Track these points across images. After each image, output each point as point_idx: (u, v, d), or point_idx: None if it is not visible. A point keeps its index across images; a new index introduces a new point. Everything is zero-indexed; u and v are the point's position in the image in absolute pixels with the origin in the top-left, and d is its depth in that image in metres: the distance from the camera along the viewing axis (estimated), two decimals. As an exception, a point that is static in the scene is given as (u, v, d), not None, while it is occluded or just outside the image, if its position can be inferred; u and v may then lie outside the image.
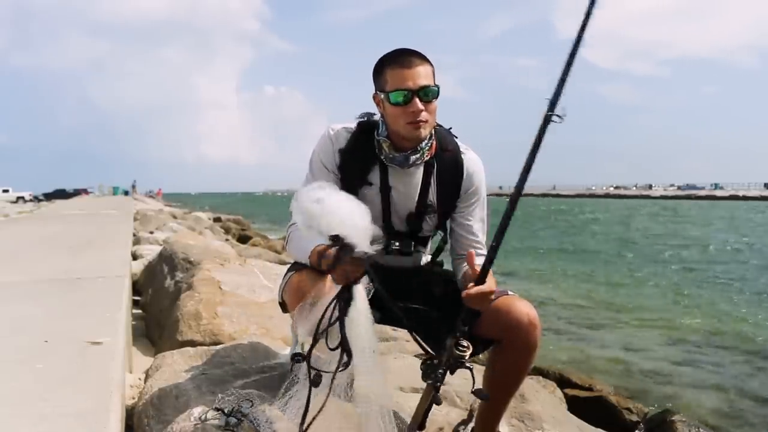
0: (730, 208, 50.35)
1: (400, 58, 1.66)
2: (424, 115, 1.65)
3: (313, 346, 1.43)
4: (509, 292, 1.70)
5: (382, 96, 1.69)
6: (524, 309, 1.63)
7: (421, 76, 1.64)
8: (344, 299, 1.43)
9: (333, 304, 1.43)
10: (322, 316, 1.43)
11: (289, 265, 1.85)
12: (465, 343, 1.48)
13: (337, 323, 1.42)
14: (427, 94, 1.65)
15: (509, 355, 1.66)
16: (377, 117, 1.80)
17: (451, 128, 1.86)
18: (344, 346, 1.42)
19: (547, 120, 1.42)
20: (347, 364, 1.42)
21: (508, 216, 1.47)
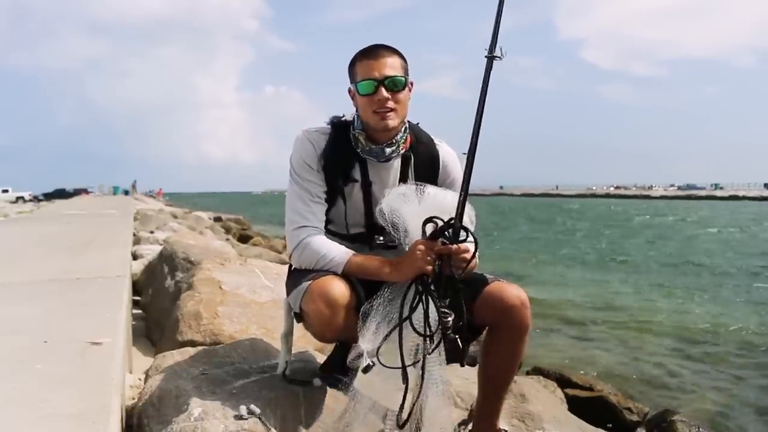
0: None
1: (369, 51, 1.74)
2: (390, 104, 1.70)
3: (400, 334, 1.50)
4: (500, 279, 1.74)
5: (353, 87, 1.75)
6: (515, 292, 1.68)
7: (387, 66, 1.70)
8: (424, 285, 1.51)
9: (416, 294, 1.52)
10: (402, 301, 1.52)
11: (292, 270, 1.83)
12: (446, 310, 1.50)
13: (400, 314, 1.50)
14: (393, 83, 1.70)
15: (504, 337, 1.70)
16: (346, 118, 1.84)
17: (418, 123, 1.90)
18: (430, 333, 1.49)
19: (490, 61, 1.58)
20: (435, 348, 1.50)
21: (470, 166, 1.58)
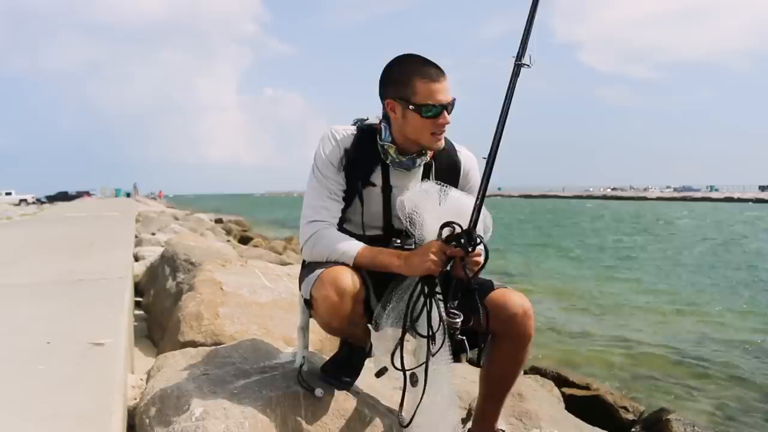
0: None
1: (429, 71, 1.70)
2: (447, 127, 1.72)
3: (402, 341, 1.56)
4: (505, 286, 1.76)
5: (411, 108, 1.70)
6: (518, 300, 1.69)
7: (447, 90, 1.71)
8: (431, 286, 1.55)
9: (418, 292, 1.57)
10: (408, 303, 1.57)
11: (307, 264, 1.84)
12: (455, 311, 1.54)
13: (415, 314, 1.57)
14: (452, 107, 1.72)
15: (506, 346, 1.71)
16: (370, 121, 1.85)
17: None
18: (434, 333, 1.54)
19: (517, 68, 1.56)
20: (439, 350, 1.54)
21: (489, 172, 1.58)
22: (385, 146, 1.78)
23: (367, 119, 1.86)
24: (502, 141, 1.57)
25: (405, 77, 1.71)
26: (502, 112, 1.58)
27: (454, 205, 1.61)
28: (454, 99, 1.72)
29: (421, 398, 1.57)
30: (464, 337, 1.54)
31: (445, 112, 1.70)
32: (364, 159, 1.79)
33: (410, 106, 1.70)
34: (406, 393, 1.65)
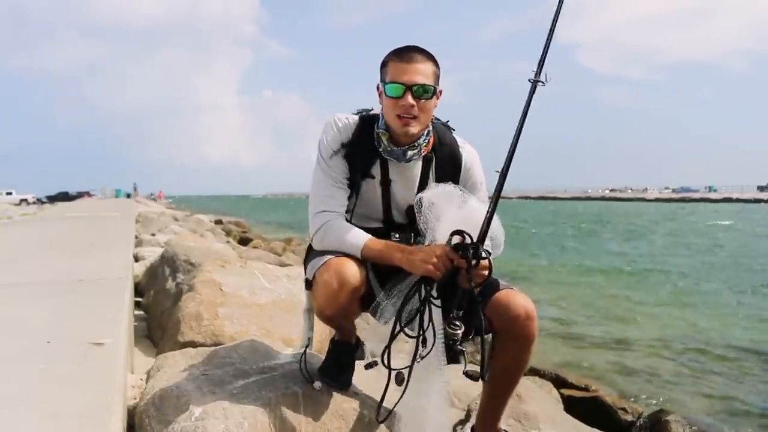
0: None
1: (403, 53, 1.70)
2: (414, 111, 1.68)
3: (391, 340, 1.56)
4: (511, 287, 1.75)
5: (382, 87, 1.73)
6: (522, 302, 1.68)
7: (418, 72, 1.68)
8: (428, 288, 1.56)
9: (415, 292, 1.57)
10: (402, 304, 1.57)
11: (313, 252, 1.83)
12: (457, 322, 1.53)
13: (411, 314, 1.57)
14: (422, 91, 1.68)
15: (508, 347, 1.71)
16: (374, 111, 1.84)
17: (448, 121, 1.90)
18: (423, 335, 1.54)
19: (534, 85, 1.59)
20: (428, 353, 1.55)
21: (502, 182, 1.59)
22: (380, 133, 1.77)
23: (372, 110, 1.85)
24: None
25: (386, 60, 1.73)
26: (517, 128, 1.58)
27: (470, 215, 1.59)
28: (427, 85, 1.68)
29: (401, 397, 1.57)
30: (464, 349, 1.54)
31: (409, 95, 1.66)
32: (364, 149, 1.79)
33: (382, 86, 1.73)
34: (395, 391, 1.64)
